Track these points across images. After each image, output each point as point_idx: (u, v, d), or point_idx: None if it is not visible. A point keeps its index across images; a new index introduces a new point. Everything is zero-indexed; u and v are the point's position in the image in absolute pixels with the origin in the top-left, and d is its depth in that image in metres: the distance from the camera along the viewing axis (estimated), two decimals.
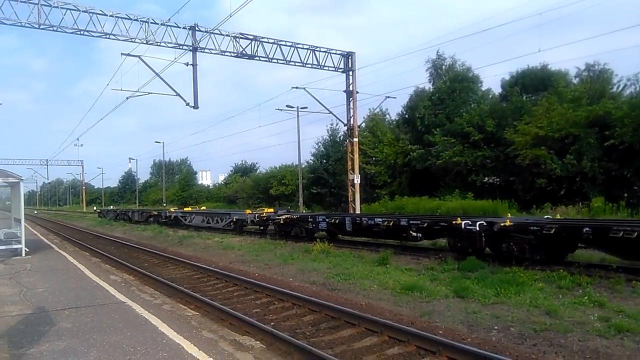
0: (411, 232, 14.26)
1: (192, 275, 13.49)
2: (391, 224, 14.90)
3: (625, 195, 22.60)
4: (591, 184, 23.02)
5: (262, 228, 23.29)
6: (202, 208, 36.15)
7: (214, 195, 69.17)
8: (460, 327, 7.46)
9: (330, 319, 8.06)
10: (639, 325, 6.78)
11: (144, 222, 36.21)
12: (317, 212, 30.81)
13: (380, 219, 15.58)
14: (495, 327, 7.27)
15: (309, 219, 19.20)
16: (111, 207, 67.08)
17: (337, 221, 17.76)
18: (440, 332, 7.17)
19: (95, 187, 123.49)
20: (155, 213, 35.90)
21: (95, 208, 72.15)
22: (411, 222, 14.35)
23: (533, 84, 30.88)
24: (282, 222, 20.05)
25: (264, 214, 22.38)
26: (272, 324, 7.90)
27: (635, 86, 24.69)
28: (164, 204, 63.54)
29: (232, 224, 24.60)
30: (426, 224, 13.89)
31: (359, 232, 16.94)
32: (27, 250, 15.71)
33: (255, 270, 13.84)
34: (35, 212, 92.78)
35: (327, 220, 18.26)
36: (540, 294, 8.76)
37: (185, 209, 34.16)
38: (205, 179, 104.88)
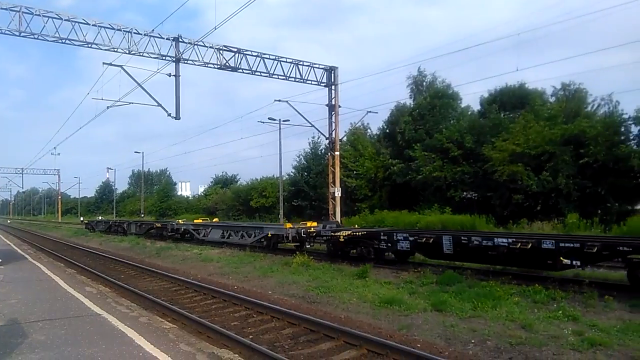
0: (561, 258, 10.65)
1: (170, 288, 13.32)
2: (528, 246, 11.02)
3: (599, 212, 23.16)
4: (566, 200, 23.52)
5: (300, 245, 19.66)
6: (214, 220, 31.28)
7: (193, 207, 68.50)
8: (438, 340, 7.53)
9: (309, 332, 8.05)
10: (611, 339, 6.94)
11: (142, 235, 32.30)
12: (391, 226, 22.80)
13: (505, 240, 11.68)
14: (472, 341, 7.36)
15: (382, 236, 15.25)
16: (100, 217, 60.52)
17: (429, 240, 13.50)
18: (419, 345, 7.22)
19: (72, 196, 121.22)
20: (159, 225, 30.93)
21: (82, 219, 61.95)
22: (562, 244, 10.71)
23: (511, 101, 31.57)
24: (342, 239, 16.18)
25: (312, 229, 18.43)
26: (250, 336, 7.86)
27: (609, 106, 25.46)
28: (142, 215, 62.65)
29: (264, 240, 20.51)
30: (596, 248, 10.00)
31: (465, 256, 13.06)
32: (0, 260, 15.32)
33: (235, 282, 13.74)
34: (9, 221, 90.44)
35: (411, 238, 14.20)
36: (516, 308, 8.90)
37: (197, 221, 29.02)
38: (185, 190, 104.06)
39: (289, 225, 19.65)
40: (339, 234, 16.50)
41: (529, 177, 24.16)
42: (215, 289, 12.05)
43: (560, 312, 8.48)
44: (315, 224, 19.62)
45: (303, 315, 8.78)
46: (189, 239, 27.12)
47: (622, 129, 22.95)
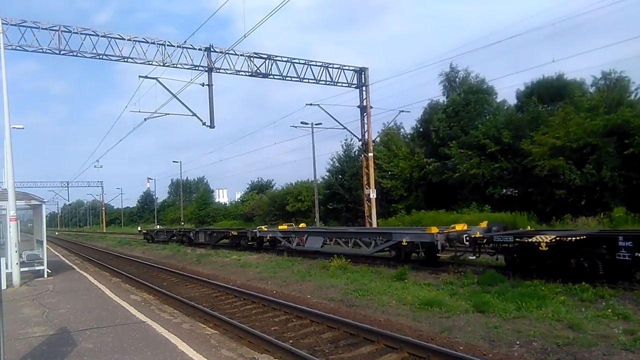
0: None
1: (211, 294, 13.54)
2: None
3: None
4: (611, 193, 22.65)
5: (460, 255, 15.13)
6: (301, 225, 25.27)
7: (230, 213, 69.56)
8: (482, 342, 7.36)
9: (349, 336, 8.01)
10: None
11: (212, 245, 28.29)
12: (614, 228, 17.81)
13: None
14: (517, 342, 7.16)
15: (621, 242, 9.81)
16: (157, 226, 57.61)
17: None
18: (461, 348, 7.08)
19: (115, 207, 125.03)
20: (235, 233, 26.60)
21: (139, 229, 57.71)
22: None
23: (549, 94, 30.67)
24: (544, 247, 10.93)
25: (477, 234, 13.24)
26: (290, 341, 7.89)
27: None
28: (182, 223, 64.02)
29: (391, 249, 15.83)
30: None
31: None
32: (49, 271, 15.95)
33: (273, 287, 13.84)
34: (57, 233, 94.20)
35: None
36: (562, 308, 8.61)
37: (282, 227, 23.20)
38: (222, 197, 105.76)
39: (434, 229, 14.11)
40: (535, 239, 11.12)
41: (571, 171, 23.39)
42: (255, 294, 12.17)
43: (609, 310, 8.16)
44: (465, 226, 14.93)
45: (342, 319, 8.75)
46: (268, 248, 23.29)
47: None
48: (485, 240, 12.91)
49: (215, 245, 28.18)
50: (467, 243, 13.44)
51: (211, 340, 7.19)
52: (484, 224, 14.77)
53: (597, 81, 29.52)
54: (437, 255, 15.00)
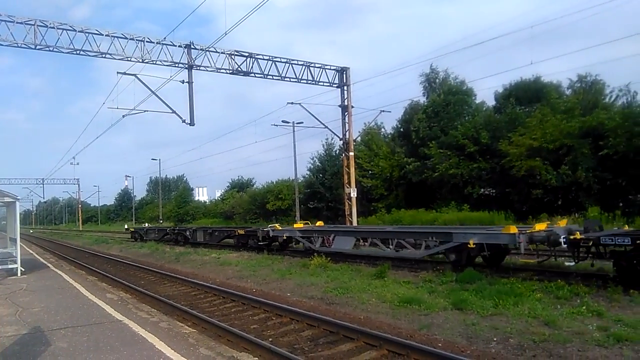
0: None
1: (189, 292, 13.39)
2: None
3: (621, 204, 22.73)
4: (586, 193, 23.13)
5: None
6: (318, 224, 20.81)
7: (210, 212, 69.11)
8: (460, 339, 7.43)
9: (328, 334, 8.01)
10: (637, 334, 6.78)
11: (215, 245, 25.54)
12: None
13: None
14: (495, 339, 7.25)
15: None
16: (146, 224, 53.55)
17: None
18: (440, 344, 7.14)
19: (92, 205, 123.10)
20: (242, 232, 23.40)
21: (126, 226, 52.67)
22: None
23: (526, 95, 31.20)
24: None
25: (579, 236, 10.56)
26: (270, 339, 7.85)
27: (627, 96, 25.03)
28: (160, 221, 63.33)
29: (451, 252, 13.01)
30: None
31: None
32: (23, 269, 15.59)
33: (253, 285, 13.77)
34: (31, 231, 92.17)
35: None
36: (538, 305, 8.74)
37: (298, 226, 20.66)
38: (202, 195, 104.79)
39: (513, 229, 11.51)
40: None
41: (548, 172, 23.82)
42: (234, 292, 12.08)
43: (584, 307, 8.31)
44: (545, 225, 12.55)
45: (322, 317, 8.74)
46: (281, 249, 20.99)
47: None
48: (590, 243, 10.39)
49: (194, 244, 27.91)
50: (566, 246, 10.75)
51: (189, 339, 7.10)
52: (562, 223, 12.63)
53: (573, 84, 30.14)
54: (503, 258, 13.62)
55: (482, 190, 29.10)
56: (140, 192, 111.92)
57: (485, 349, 6.89)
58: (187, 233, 29.44)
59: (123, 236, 46.58)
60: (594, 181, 22.88)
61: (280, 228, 20.80)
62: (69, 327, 7.82)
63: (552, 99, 27.43)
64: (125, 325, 7.94)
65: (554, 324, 7.58)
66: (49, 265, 19.76)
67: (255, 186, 64.16)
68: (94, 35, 21.26)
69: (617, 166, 22.37)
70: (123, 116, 25.02)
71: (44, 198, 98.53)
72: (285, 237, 20.33)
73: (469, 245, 12.21)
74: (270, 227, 21.34)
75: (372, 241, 15.84)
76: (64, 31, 20.68)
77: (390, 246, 14.86)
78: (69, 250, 34.11)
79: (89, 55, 21.74)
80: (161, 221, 63.64)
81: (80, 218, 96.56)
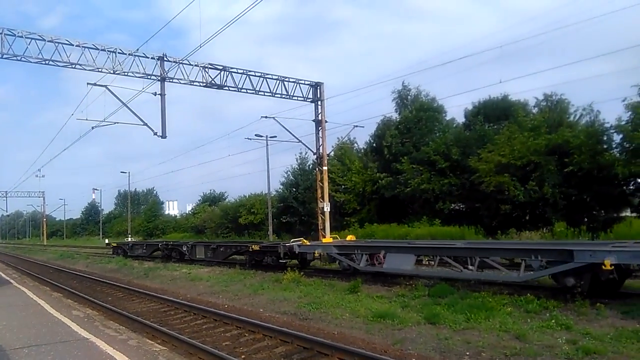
0: None
1: (159, 309, 13.10)
2: None
3: (586, 219, 23.40)
4: (553, 209, 23.72)
5: None
6: (348, 237, 19.32)
7: (181, 226, 67.99)
8: (433, 353, 7.47)
9: (302, 350, 7.94)
10: (605, 347, 6.94)
11: (219, 262, 22.49)
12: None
13: None
14: (467, 353, 7.31)
15: None
16: (129, 238, 48.79)
17: None
18: (414, 359, 7.15)
19: (57, 218, 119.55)
20: (257, 248, 20.17)
21: (107, 241, 45.06)
22: None
23: (495, 113, 31.96)
24: None
25: None
26: (243, 356, 7.74)
27: (591, 115, 25.87)
28: (129, 236, 61.94)
29: (576, 275, 10.18)
30: None
31: None
32: None
33: (225, 301, 13.56)
34: None
35: None
36: (509, 319, 8.89)
37: (327, 240, 18.74)
38: (172, 209, 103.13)
39: None
40: None
41: (516, 187, 24.35)
42: (206, 308, 11.89)
43: (553, 321, 8.49)
44: None
45: (296, 333, 8.67)
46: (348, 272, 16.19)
47: (605, 138, 23.29)
48: None
49: (164, 258, 27.34)
50: None
51: (160, 357, 6.93)
52: None
53: (539, 102, 31.00)
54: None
55: (453, 205, 29.52)
56: (108, 206, 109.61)
57: None
58: (184, 249, 25.75)
59: (94, 251, 45.35)
60: (560, 197, 23.50)
61: (308, 243, 18.02)
62: (33, 345, 7.52)
63: (520, 116, 28.17)
64: (92, 343, 7.69)
65: (525, 337, 7.71)
66: (11, 281, 19.05)
67: (227, 200, 63.55)
68: (63, 45, 20.81)
69: (582, 182, 23.06)
70: (92, 128, 24.49)
71: (7, 211, 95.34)
72: (317, 254, 17.50)
73: (603, 267, 9.42)
74: (294, 241, 18.69)
75: (440, 260, 13.25)
76: (33, 40, 20.16)
77: (470, 266, 12.35)
78: (32, 266, 32.98)
79: (58, 66, 21.24)
80: (130, 236, 62.21)
81: (44, 232, 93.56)
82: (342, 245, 16.67)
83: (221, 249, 22.84)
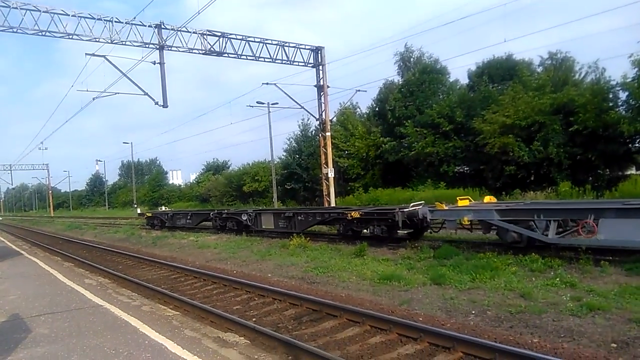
0: None
1: (169, 276, 13.33)
2: None
3: (590, 178, 23.40)
4: (557, 169, 23.70)
5: None
6: (487, 199, 14.60)
7: (185, 195, 68.44)
8: (439, 313, 7.62)
9: (311, 312, 8.11)
10: (609, 304, 7.06)
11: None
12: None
13: None
14: (473, 312, 7.46)
15: None
16: (163, 207, 42.21)
17: None
18: (420, 319, 7.31)
19: (62, 190, 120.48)
20: (357, 215, 15.61)
21: (139, 211, 39.33)
22: None
23: (499, 73, 31.56)
24: None
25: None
26: (254, 319, 7.91)
27: (596, 73, 25.49)
28: (135, 205, 62.45)
29: None
30: None
31: None
32: None
33: (233, 267, 13.78)
34: (0, 218, 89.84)
35: None
36: (514, 278, 9.01)
37: (462, 203, 13.64)
38: (176, 179, 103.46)
39: None
40: None
41: (520, 148, 24.27)
42: (215, 274, 12.08)
43: (557, 279, 8.60)
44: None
45: (305, 296, 8.83)
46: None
47: (610, 96, 23.02)
48: None
49: (171, 227, 27.61)
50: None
51: (173, 322, 7.11)
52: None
53: (544, 61, 30.57)
54: None
55: (457, 167, 29.53)
56: (112, 177, 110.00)
57: (464, 322, 7.09)
58: (245, 218, 21.11)
59: (101, 222, 45.83)
60: (565, 156, 23.43)
61: (445, 207, 13.07)
62: (49, 313, 7.72)
63: (524, 76, 27.81)
64: (107, 309, 7.88)
65: (530, 295, 7.83)
66: (22, 252, 19.37)
67: (230, 168, 63.67)
68: (59, 15, 20.54)
69: (587, 141, 22.95)
70: (93, 99, 24.45)
71: (12, 184, 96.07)
72: (466, 222, 12.44)
73: None
74: (416, 204, 14.19)
75: None
76: (28, 11, 19.90)
77: None
78: (41, 237, 33.43)
79: (55, 37, 21.04)
80: (135, 205, 62.72)
81: (51, 204, 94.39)
82: (509, 209, 11.77)
83: (300, 218, 18.38)
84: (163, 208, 40.16)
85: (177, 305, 9.16)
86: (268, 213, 20.78)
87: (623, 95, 22.56)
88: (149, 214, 31.90)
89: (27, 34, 20.27)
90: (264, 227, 20.38)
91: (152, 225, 29.94)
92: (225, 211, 23.84)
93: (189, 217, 26.62)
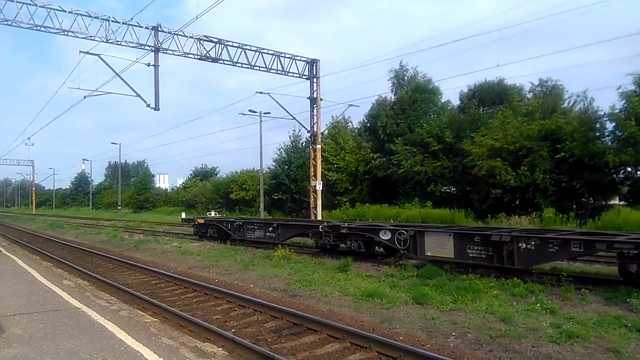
0: None
1: (150, 281, 13.16)
2: None
3: (574, 206, 23.68)
4: (543, 194, 23.95)
5: None
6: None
7: (171, 199, 67.93)
8: (420, 333, 7.60)
9: (292, 326, 8.04)
10: (588, 332, 7.10)
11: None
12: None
13: None
14: (453, 333, 7.45)
15: None
16: (212, 213, 32.79)
17: None
18: (401, 338, 7.28)
19: (46, 188, 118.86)
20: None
21: (184, 216, 29.37)
22: None
23: (490, 97, 31.98)
24: None
25: None
26: (233, 330, 7.82)
27: (584, 103, 25.95)
28: (119, 207, 61.79)
29: None
30: None
31: None
32: None
33: (215, 276, 13.64)
34: None
35: None
36: (495, 301, 9.04)
37: None
38: (163, 183, 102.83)
39: None
40: None
41: (507, 172, 24.51)
42: (196, 282, 11.95)
43: (538, 305, 8.64)
44: None
45: (285, 309, 8.76)
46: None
47: (598, 126, 23.43)
48: None
49: (154, 232, 27.30)
50: None
51: (151, 329, 7.00)
52: None
53: (534, 88, 31.11)
54: None
55: (444, 187, 29.71)
56: (98, 177, 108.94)
57: (444, 343, 7.08)
58: (384, 236, 13.76)
59: (84, 222, 45.19)
60: (550, 183, 23.71)
61: None
62: (24, 313, 7.57)
63: (514, 101, 28.20)
64: (84, 312, 7.74)
65: (510, 320, 7.85)
66: (0, 249, 19.00)
67: (219, 175, 63.54)
68: (56, 11, 20.41)
69: (573, 169, 23.26)
70: (84, 97, 24.28)
71: None
72: None
73: None
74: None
75: None
76: (24, 5, 19.76)
77: None
78: (21, 234, 32.88)
79: (50, 32, 20.88)
80: (120, 207, 62.09)
81: (34, 201, 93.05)
82: None
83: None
84: (213, 213, 32.22)
85: (156, 312, 9.03)
86: (432, 233, 12.75)
87: (610, 126, 22.98)
88: (201, 221, 23.71)
89: (22, 27, 20.13)
90: (429, 253, 12.70)
91: (203, 235, 22.55)
92: (347, 224, 15.83)
93: (271, 228, 18.54)
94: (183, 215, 29.66)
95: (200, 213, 45.60)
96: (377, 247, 15.42)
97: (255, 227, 19.69)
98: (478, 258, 11.52)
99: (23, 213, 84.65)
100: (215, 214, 31.73)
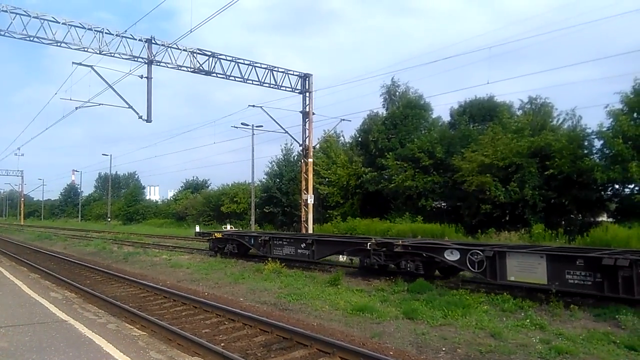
0: None
1: (138, 294, 13.03)
2: None
3: (563, 222, 23.87)
4: (532, 210, 24.13)
5: None
6: None
7: (162, 212, 67.50)
8: (410, 348, 7.59)
9: (282, 340, 8.00)
10: (577, 348, 7.13)
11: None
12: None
13: None
14: (443, 349, 7.45)
15: None
16: (228, 226, 31.07)
17: None
18: (391, 353, 7.27)
19: (35, 199, 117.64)
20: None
21: (198, 229, 27.26)
22: None
23: (480, 113, 32.38)
24: None
25: None
26: (222, 344, 7.76)
27: (573, 120, 26.35)
28: (109, 219, 61.29)
29: None
30: None
31: None
32: None
33: (205, 289, 13.54)
34: None
35: None
36: (485, 316, 9.06)
37: None
38: (154, 195, 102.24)
39: None
40: None
41: (497, 188, 24.71)
42: (186, 295, 11.86)
43: (528, 320, 8.67)
44: None
45: (275, 323, 8.71)
46: None
47: (586, 143, 23.76)
48: None
49: (144, 244, 27.07)
50: None
51: (139, 342, 6.92)
52: None
53: (523, 105, 31.55)
54: None
55: (435, 202, 29.86)
56: (87, 189, 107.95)
57: (434, 358, 7.08)
58: (450, 256, 12.01)
59: (73, 233, 44.70)
60: (540, 199, 23.92)
61: None
62: (10, 325, 7.46)
63: (504, 118, 28.55)
64: (71, 325, 7.65)
65: (500, 335, 7.87)
66: None
67: (210, 188, 63.30)
68: (49, 22, 20.44)
69: (561, 186, 23.51)
70: (76, 108, 24.22)
71: None
72: None
73: None
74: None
75: None
76: (18, 15, 19.78)
77: None
78: (9, 245, 32.44)
79: (43, 43, 20.88)
80: (109, 219, 61.58)
81: (22, 212, 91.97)
82: None
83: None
84: (229, 227, 30.12)
85: (145, 325, 8.94)
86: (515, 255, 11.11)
87: (598, 144, 23.32)
88: (218, 235, 21.45)
89: (15, 37, 20.10)
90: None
91: (220, 252, 20.45)
92: (401, 241, 13.86)
93: (304, 245, 16.59)
94: (197, 228, 27.68)
95: (190, 225, 45.33)
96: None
97: (285, 242, 17.74)
98: (581, 286, 9.91)
99: (11, 224, 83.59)
100: (231, 228, 29.83)
